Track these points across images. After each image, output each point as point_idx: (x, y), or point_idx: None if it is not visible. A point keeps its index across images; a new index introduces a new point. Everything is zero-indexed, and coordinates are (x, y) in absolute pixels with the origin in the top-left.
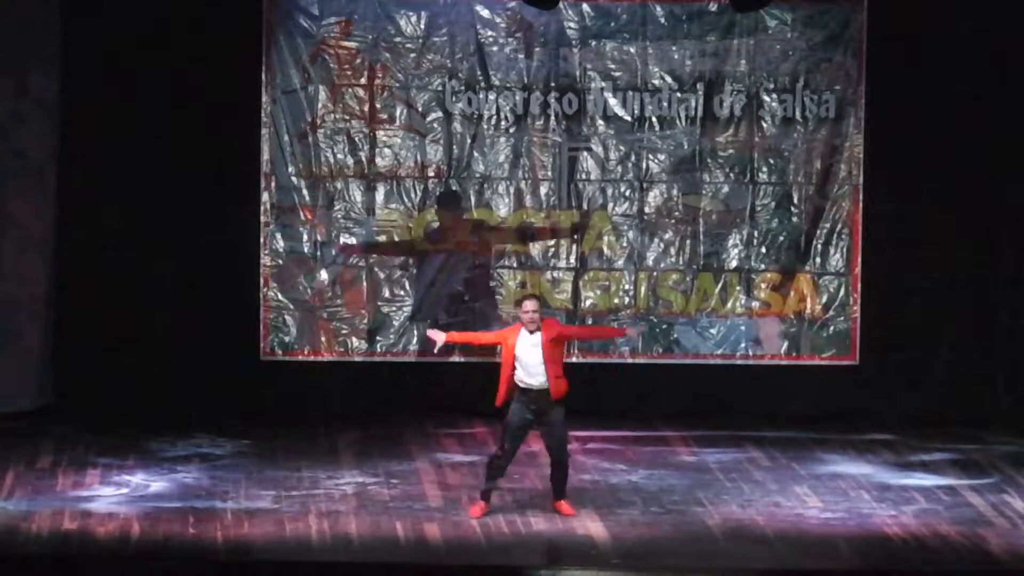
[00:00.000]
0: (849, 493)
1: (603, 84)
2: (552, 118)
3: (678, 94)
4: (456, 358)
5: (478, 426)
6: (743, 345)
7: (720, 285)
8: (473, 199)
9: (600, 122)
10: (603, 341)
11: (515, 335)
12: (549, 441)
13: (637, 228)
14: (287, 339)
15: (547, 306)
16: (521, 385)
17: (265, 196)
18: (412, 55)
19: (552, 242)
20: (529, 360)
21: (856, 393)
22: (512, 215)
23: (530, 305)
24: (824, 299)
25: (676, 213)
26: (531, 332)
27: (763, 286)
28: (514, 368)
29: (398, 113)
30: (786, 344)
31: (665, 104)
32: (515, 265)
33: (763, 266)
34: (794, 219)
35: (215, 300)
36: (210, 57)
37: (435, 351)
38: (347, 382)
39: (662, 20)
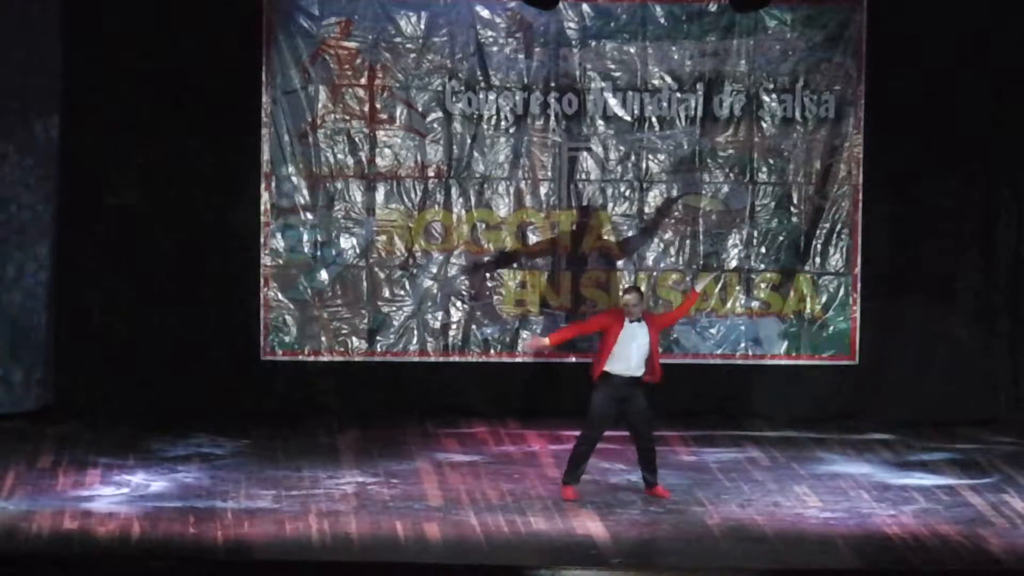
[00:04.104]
0: (849, 493)
1: (603, 84)
2: (552, 118)
3: (678, 94)
4: (455, 358)
5: (478, 426)
6: (743, 345)
7: (720, 285)
8: (473, 199)
9: (600, 122)
10: (689, 313)
11: (619, 323)
12: (640, 425)
13: (637, 228)
14: (287, 339)
15: (547, 306)
16: (612, 372)
17: (265, 196)
18: (412, 55)
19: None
20: (630, 349)
21: (856, 393)
22: (512, 215)
23: (631, 298)
24: (824, 299)
25: (676, 213)
26: (632, 322)
27: (763, 286)
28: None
29: (398, 113)
30: (786, 344)
31: (665, 104)
32: (515, 265)
33: (763, 266)
34: (794, 219)
35: (215, 300)
36: (210, 57)
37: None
38: (347, 382)
39: (662, 20)
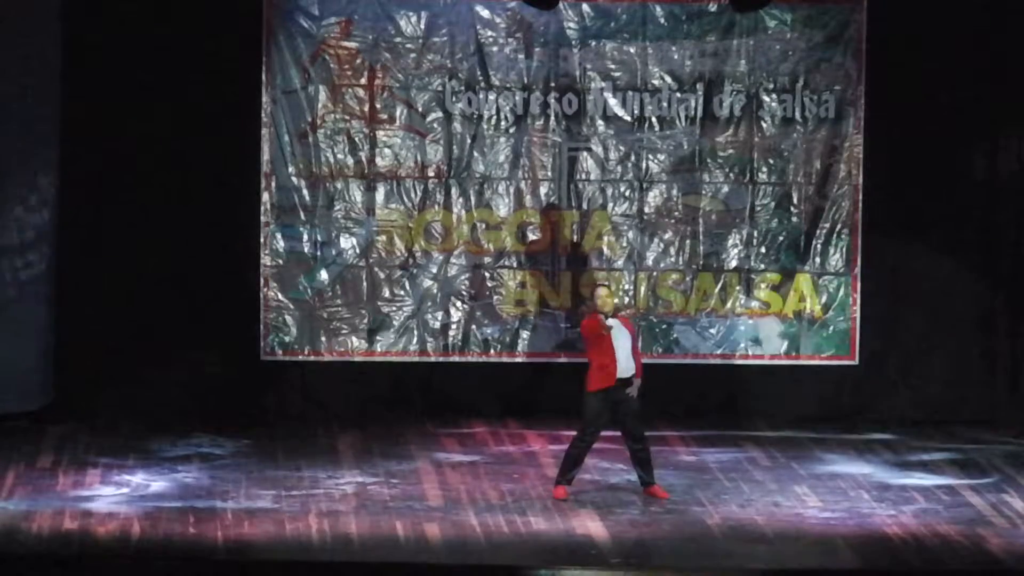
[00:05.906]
0: (849, 493)
1: (603, 84)
2: (552, 118)
3: (678, 94)
4: (455, 358)
5: (478, 426)
6: (743, 345)
7: (720, 285)
8: (473, 199)
9: (600, 122)
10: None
11: (605, 328)
12: (632, 425)
13: (637, 228)
14: (287, 339)
15: (547, 306)
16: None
17: (265, 196)
18: (412, 55)
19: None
20: (619, 349)
21: (856, 393)
22: (512, 215)
23: (604, 291)
24: (824, 299)
25: (676, 213)
26: (608, 320)
27: (763, 286)
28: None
29: (398, 113)
30: (786, 344)
31: (665, 104)
32: (515, 265)
33: (763, 266)
34: (794, 219)
35: (215, 300)
36: (210, 57)
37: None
38: (347, 382)
39: (662, 20)
